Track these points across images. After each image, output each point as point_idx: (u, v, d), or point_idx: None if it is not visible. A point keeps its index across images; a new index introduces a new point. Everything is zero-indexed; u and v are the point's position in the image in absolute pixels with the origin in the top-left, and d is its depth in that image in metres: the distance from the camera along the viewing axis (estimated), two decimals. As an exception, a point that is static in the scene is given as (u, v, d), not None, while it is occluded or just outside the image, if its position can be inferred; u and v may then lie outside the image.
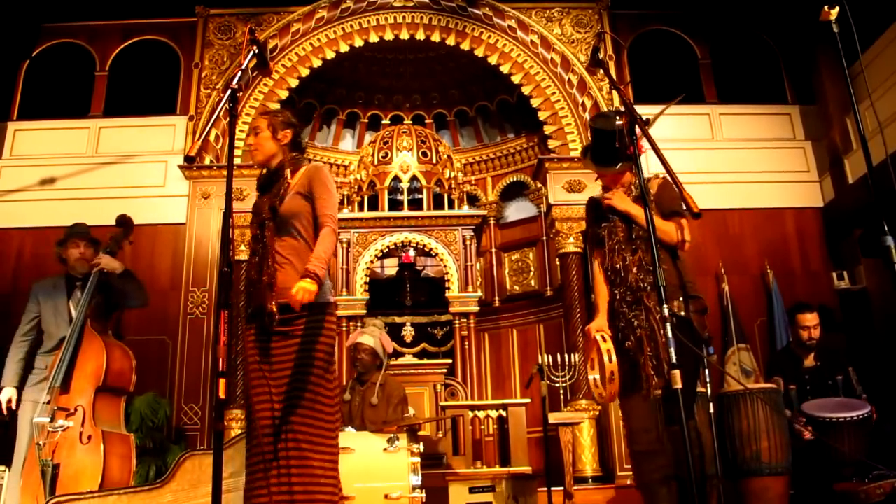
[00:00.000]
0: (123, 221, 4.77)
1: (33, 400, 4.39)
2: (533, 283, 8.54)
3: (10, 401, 4.41)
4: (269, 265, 3.02)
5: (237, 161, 7.48)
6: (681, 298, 3.26)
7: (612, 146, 3.25)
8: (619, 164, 3.36)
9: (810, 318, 5.62)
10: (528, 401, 6.70)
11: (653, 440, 3.23)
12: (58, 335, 4.47)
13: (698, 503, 2.94)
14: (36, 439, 4.06)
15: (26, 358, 4.53)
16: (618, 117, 3.27)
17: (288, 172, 3.19)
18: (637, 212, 3.31)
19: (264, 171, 3.27)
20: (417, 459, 4.30)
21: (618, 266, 3.35)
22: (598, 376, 3.37)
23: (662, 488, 3.17)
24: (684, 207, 2.85)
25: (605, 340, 3.24)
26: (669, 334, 2.45)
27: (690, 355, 3.04)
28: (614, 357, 3.17)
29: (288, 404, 2.95)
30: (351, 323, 7.58)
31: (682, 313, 3.22)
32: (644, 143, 2.87)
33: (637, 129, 2.86)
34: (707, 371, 4.96)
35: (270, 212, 3.08)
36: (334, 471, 3.01)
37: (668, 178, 2.84)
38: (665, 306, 2.49)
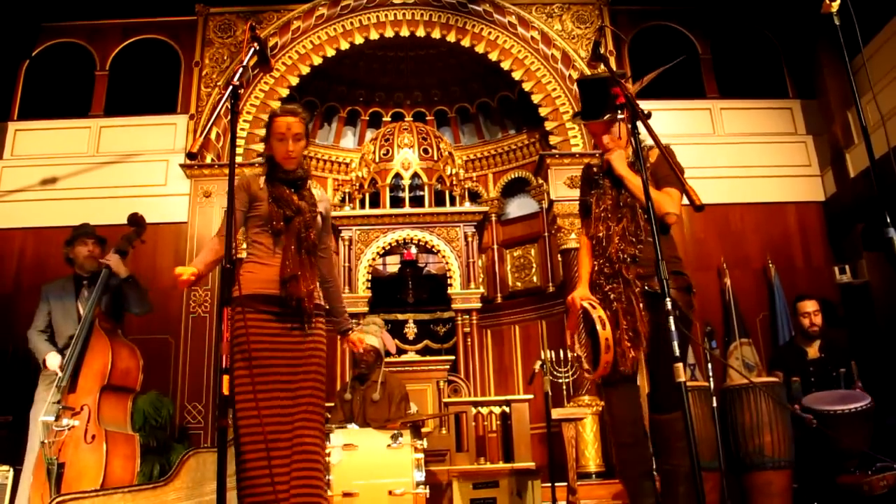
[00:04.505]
0: (136, 220, 4.76)
1: (45, 399, 4.40)
2: (535, 279, 8.54)
3: (61, 364, 4.34)
4: (314, 266, 3.12)
5: (238, 159, 7.48)
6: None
7: (596, 97, 3.13)
8: (607, 115, 3.14)
9: (810, 304, 5.67)
10: (530, 397, 6.71)
11: (637, 431, 3.09)
12: (66, 334, 4.48)
13: (687, 496, 2.89)
14: (42, 438, 4.07)
15: (49, 341, 4.54)
16: (601, 70, 3.17)
17: (311, 183, 3.32)
18: (631, 177, 3.07)
19: (267, 160, 3.28)
20: (421, 456, 4.31)
21: (600, 235, 3.15)
22: (583, 353, 3.19)
23: (646, 482, 3.05)
24: (681, 184, 2.76)
25: (594, 308, 3.02)
26: (672, 326, 2.39)
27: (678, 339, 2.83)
28: (608, 324, 2.96)
29: (304, 402, 2.98)
30: (353, 320, 7.56)
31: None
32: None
33: (626, 113, 2.80)
34: (710, 364, 4.97)
35: (313, 220, 3.17)
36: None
37: (667, 159, 2.79)
38: (668, 299, 2.42)
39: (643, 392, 3.27)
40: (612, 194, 3.16)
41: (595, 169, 3.33)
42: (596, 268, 3.16)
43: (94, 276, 4.64)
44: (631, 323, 2.97)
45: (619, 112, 3.07)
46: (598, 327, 2.95)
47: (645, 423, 3.17)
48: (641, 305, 2.97)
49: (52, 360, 4.34)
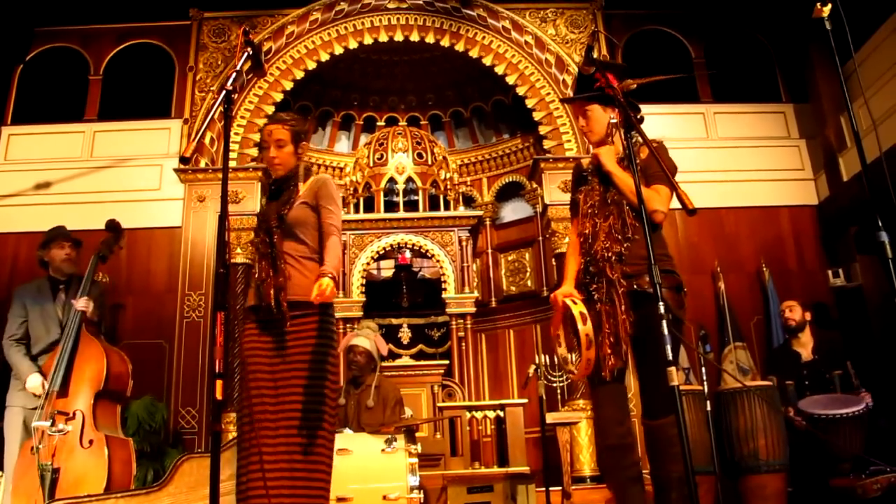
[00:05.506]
0: (113, 226, 4.78)
1: (21, 405, 4.38)
2: (529, 283, 8.55)
3: (42, 384, 4.31)
4: (279, 266, 3.09)
5: (232, 164, 7.47)
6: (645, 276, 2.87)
7: (583, 83, 3.12)
8: (581, 97, 3.13)
9: (786, 303, 5.73)
10: (525, 401, 6.71)
11: (624, 434, 2.95)
12: (47, 339, 4.47)
13: (678, 502, 2.83)
14: (34, 443, 4.05)
15: (27, 354, 4.51)
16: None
17: (301, 185, 3.29)
18: (619, 173, 3.00)
19: (271, 178, 3.34)
20: (415, 460, 4.30)
21: (587, 231, 3.04)
22: (565, 352, 3.07)
23: (634, 487, 2.94)
24: (670, 181, 2.73)
25: (575, 303, 2.90)
26: (665, 330, 2.36)
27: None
28: (589, 320, 2.84)
29: (298, 402, 2.99)
30: (347, 325, 7.57)
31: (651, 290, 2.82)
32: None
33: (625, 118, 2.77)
34: (704, 368, 4.99)
35: (278, 219, 3.16)
36: (330, 472, 3.07)
37: (655, 155, 2.74)
38: (661, 303, 2.40)
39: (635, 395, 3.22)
40: (599, 190, 3.08)
41: (585, 165, 3.27)
42: (582, 265, 3.07)
43: (69, 279, 4.63)
44: (613, 327, 2.88)
45: (611, 108, 3.05)
46: (579, 323, 2.83)
47: (633, 426, 3.10)
48: (623, 307, 2.88)
49: (33, 382, 4.30)
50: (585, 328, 2.82)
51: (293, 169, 3.28)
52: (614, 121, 3.00)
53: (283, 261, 3.11)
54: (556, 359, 6.61)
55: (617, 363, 2.87)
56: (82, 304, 4.46)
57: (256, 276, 3.14)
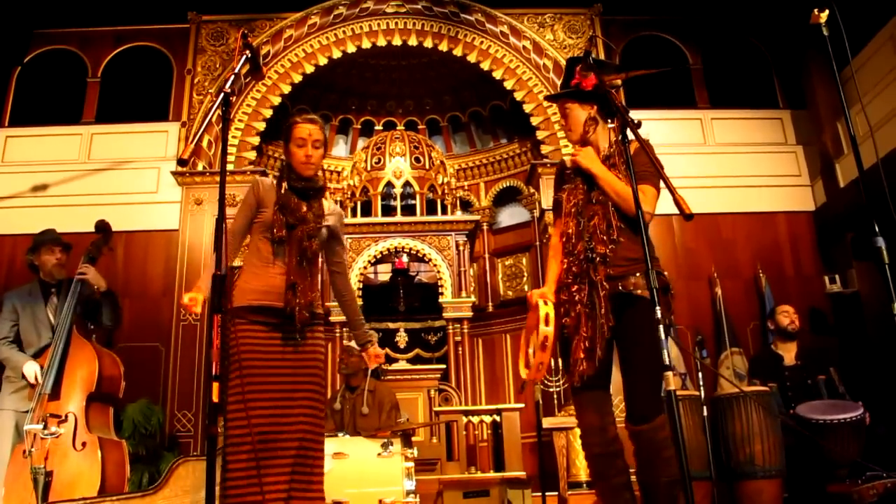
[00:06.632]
0: (103, 227, 4.74)
1: (13, 409, 4.35)
2: (526, 288, 8.54)
3: (37, 372, 4.28)
4: (312, 275, 3.14)
5: (230, 167, 7.47)
6: (637, 275, 2.80)
7: (565, 83, 3.10)
8: (559, 94, 3.12)
9: (788, 307, 5.71)
10: (521, 406, 6.70)
11: (609, 440, 2.85)
12: (38, 343, 4.43)
13: None
14: (26, 447, 4.02)
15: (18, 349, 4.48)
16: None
17: (325, 196, 3.37)
18: (602, 173, 2.90)
19: (284, 166, 3.31)
20: (411, 464, 4.29)
21: (570, 231, 2.95)
22: (523, 355, 3.02)
23: (625, 493, 2.85)
24: (657, 179, 2.69)
25: (546, 304, 2.84)
26: (663, 336, 2.34)
27: (652, 343, 2.47)
28: (552, 323, 2.78)
29: (304, 408, 3.03)
30: (345, 329, 7.56)
31: (639, 292, 2.77)
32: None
33: (622, 123, 2.74)
34: (700, 374, 4.98)
35: (317, 230, 3.21)
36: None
37: (646, 152, 2.72)
38: (658, 308, 2.38)
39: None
40: (583, 189, 2.98)
41: (569, 163, 3.17)
42: (565, 265, 2.95)
43: (60, 283, 4.61)
44: (591, 330, 2.78)
45: (589, 105, 3.03)
46: (541, 324, 2.75)
47: (620, 432, 2.97)
48: (604, 311, 2.78)
49: (30, 369, 4.28)
50: (546, 329, 2.76)
51: (317, 172, 3.31)
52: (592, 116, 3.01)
53: (316, 270, 3.16)
54: (552, 364, 6.61)
55: (588, 369, 2.77)
56: (84, 268, 4.45)
57: (286, 275, 3.06)
